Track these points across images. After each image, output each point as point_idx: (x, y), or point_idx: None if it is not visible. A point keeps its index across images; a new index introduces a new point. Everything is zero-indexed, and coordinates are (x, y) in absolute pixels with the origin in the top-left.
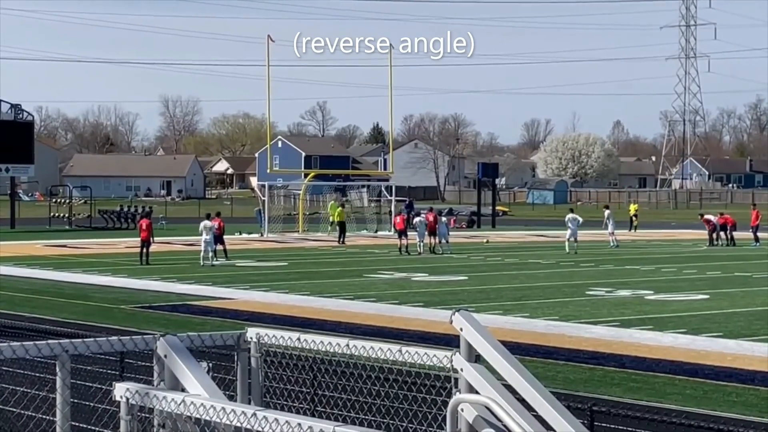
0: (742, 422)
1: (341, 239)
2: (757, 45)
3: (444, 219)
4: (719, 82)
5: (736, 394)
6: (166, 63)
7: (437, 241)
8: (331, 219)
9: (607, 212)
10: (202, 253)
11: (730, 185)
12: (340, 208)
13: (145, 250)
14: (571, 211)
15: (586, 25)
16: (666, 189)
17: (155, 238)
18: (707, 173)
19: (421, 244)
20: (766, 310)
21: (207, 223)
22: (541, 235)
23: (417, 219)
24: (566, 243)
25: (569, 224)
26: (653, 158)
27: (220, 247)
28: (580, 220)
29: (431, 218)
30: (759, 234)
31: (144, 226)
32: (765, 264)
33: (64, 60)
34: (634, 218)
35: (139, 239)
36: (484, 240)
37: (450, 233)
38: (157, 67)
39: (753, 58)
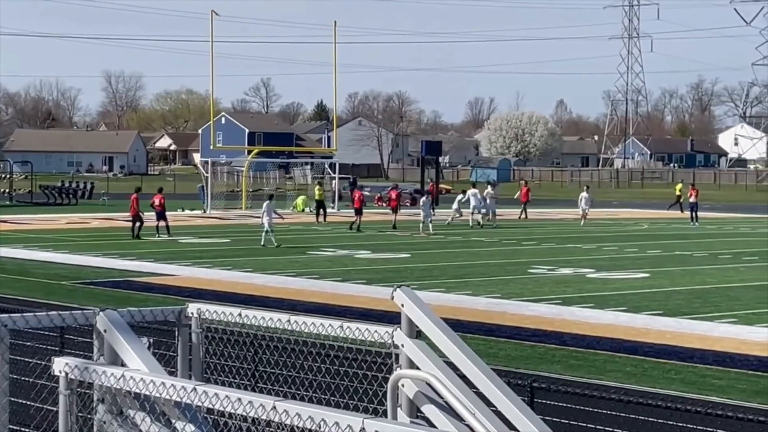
0: (681, 399)
1: (322, 217)
2: (699, 25)
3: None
4: (661, 62)
5: (675, 371)
6: (109, 38)
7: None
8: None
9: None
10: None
11: (672, 165)
12: (318, 188)
13: (137, 224)
14: (473, 185)
15: (530, 4)
16: (608, 168)
17: (98, 214)
18: (649, 153)
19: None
20: (705, 288)
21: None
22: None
23: (423, 199)
24: (470, 218)
25: (471, 199)
26: (596, 137)
27: (162, 223)
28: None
29: (394, 195)
30: (691, 212)
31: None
32: (705, 242)
33: (5, 33)
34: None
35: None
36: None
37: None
38: (99, 41)
39: (695, 39)
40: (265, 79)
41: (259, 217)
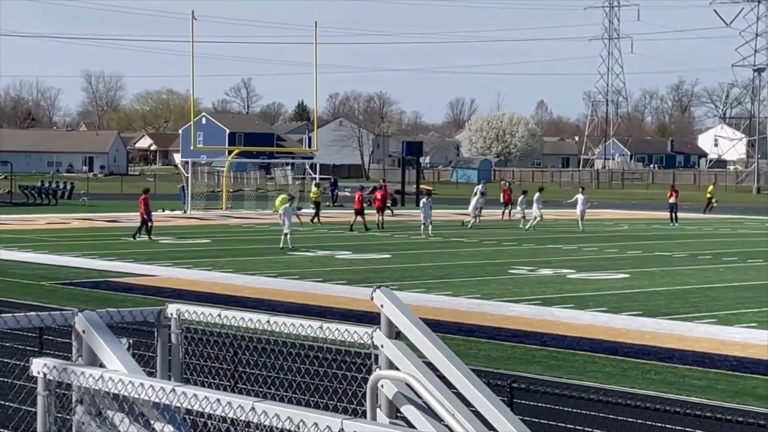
0: (660, 399)
1: (316, 218)
2: (679, 26)
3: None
4: (642, 62)
5: (655, 371)
6: (89, 38)
7: (381, 218)
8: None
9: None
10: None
11: (652, 165)
12: (315, 188)
13: (144, 227)
14: (540, 190)
15: (510, 5)
16: (589, 169)
17: (78, 214)
18: (629, 153)
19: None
20: (685, 288)
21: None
22: (464, 214)
23: (423, 200)
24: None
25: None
26: (576, 138)
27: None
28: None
29: (379, 196)
30: (671, 213)
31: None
32: (685, 243)
33: None
34: (712, 200)
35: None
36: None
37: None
38: (79, 41)
39: (675, 40)
40: (245, 79)
41: (239, 217)
